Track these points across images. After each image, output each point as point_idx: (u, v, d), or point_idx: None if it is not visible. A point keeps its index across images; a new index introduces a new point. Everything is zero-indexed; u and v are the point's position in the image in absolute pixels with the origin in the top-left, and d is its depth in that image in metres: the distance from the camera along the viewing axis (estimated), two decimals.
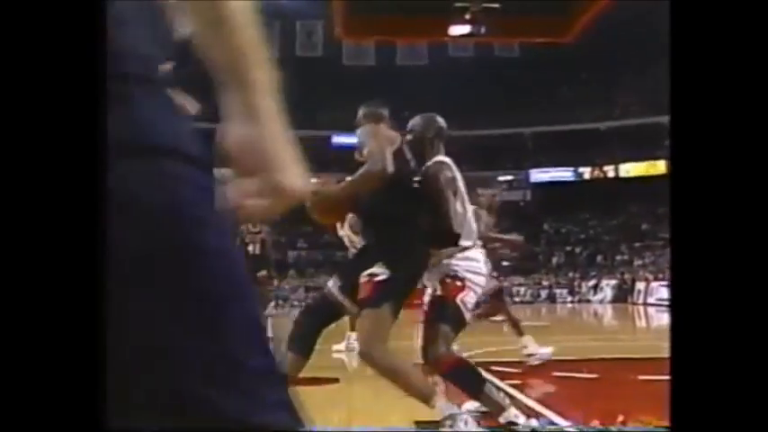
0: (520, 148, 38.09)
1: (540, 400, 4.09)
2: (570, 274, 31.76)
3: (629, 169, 37.11)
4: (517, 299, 26.48)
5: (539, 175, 38.45)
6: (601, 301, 27.18)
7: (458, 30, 31.29)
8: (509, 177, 37.04)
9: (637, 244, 34.27)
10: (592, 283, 29.51)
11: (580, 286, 29.65)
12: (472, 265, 3.77)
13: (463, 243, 3.71)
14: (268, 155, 0.74)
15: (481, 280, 3.78)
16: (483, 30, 30.15)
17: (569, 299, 28.77)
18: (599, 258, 34.42)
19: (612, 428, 3.06)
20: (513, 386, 4.27)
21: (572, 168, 38.04)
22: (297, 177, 0.75)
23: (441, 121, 4.00)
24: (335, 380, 5.67)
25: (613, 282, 28.56)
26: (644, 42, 29.04)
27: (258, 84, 0.75)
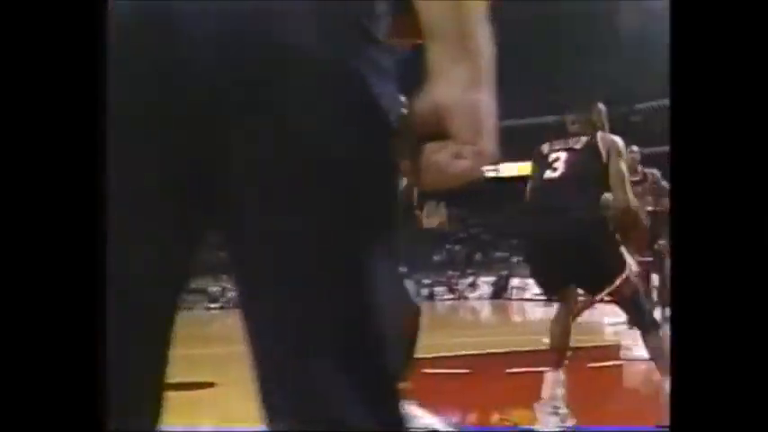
0: None
1: (414, 398, 3.91)
2: (449, 272, 32.28)
3: (508, 169, 38.20)
4: None
5: None
6: (479, 298, 27.77)
7: None
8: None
9: (514, 241, 35.32)
10: (470, 280, 30.13)
11: (458, 284, 30.17)
12: None
13: None
14: (481, 118, 0.76)
15: None
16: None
17: (448, 296, 29.11)
18: (478, 256, 35.24)
19: (611, 428, 3.02)
20: None
21: None
22: (494, 144, 0.77)
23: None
24: (211, 384, 5.36)
25: (491, 279, 29.26)
26: (530, 46, 29.98)
27: (482, 48, 0.77)
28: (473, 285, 29.49)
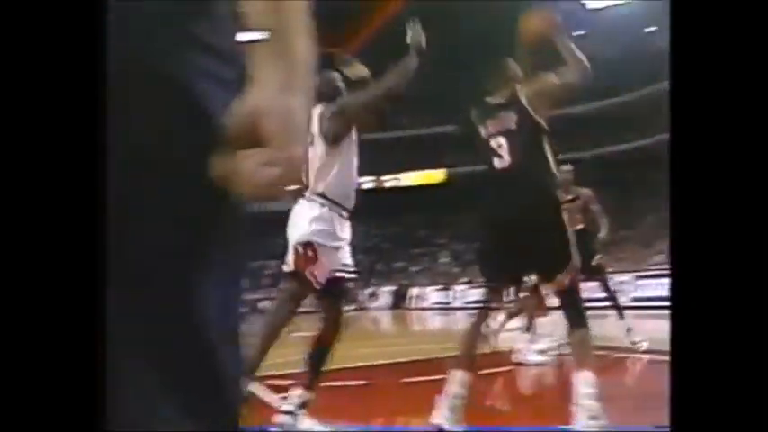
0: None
1: (308, 411, 3.85)
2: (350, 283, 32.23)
3: (408, 178, 38.62)
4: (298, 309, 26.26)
5: None
6: (378, 308, 27.89)
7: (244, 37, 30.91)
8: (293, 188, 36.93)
9: (414, 251, 35.68)
10: (371, 290, 30.24)
11: (359, 294, 30.20)
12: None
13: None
14: (294, 124, 0.73)
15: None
16: None
17: (349, 307, 29.03)
18: (378, 266, 35.40)
19: (611, 428, 2.98)
20: (284, 398, 4.04)
21: None
22: (302, 148, 0.74)
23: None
24: None
25: (390, 288, 29.46)
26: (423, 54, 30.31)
27: (298, 51, 0.75)
28: (373, 295, 29.60)
